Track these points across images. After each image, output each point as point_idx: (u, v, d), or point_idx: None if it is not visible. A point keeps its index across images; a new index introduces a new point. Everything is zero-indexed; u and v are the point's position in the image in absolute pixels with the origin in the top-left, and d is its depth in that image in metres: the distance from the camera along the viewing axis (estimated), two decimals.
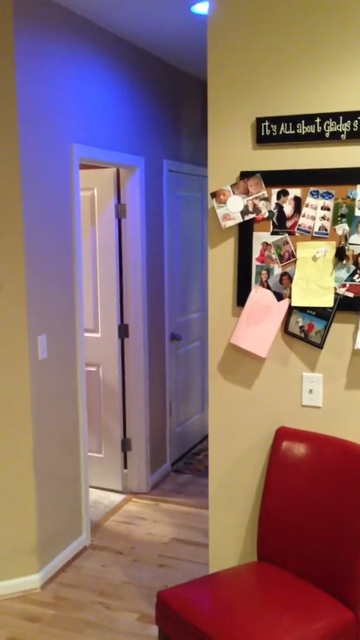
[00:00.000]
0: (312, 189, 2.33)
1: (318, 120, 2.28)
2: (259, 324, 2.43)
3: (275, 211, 2.39)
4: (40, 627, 2.92)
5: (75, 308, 3.45)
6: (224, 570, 2.41)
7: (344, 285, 2.33)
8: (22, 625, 2.93)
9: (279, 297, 2.42)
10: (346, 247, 2.31)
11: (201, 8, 3.23)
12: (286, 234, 2.39)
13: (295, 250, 2.38)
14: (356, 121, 2.23)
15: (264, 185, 2.38)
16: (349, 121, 2.24)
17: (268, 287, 2.43)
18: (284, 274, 2.41)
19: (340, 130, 2.26)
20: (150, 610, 3.01)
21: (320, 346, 2.38)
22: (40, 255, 3.13)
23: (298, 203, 2.36)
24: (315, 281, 2.35)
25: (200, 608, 2.15)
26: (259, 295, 2.44)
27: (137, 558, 3.50)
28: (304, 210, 2.35)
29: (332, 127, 2.27)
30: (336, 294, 2.33)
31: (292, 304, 2.39)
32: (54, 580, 3.29)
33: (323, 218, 2.33)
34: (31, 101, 3.02)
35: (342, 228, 2.31)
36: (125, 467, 4.32)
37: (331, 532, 2.22)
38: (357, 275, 2.31)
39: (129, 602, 3.10)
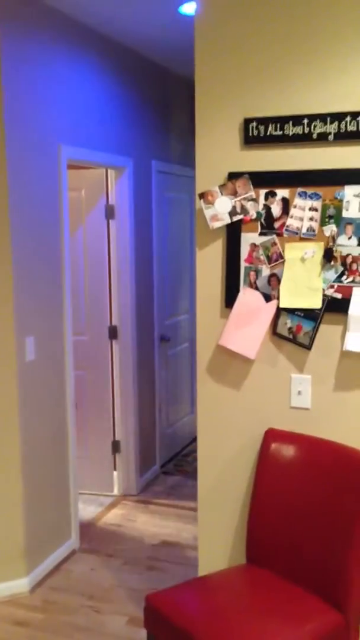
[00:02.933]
0: (300, 190, 2.32)
1: (306, 121, 2.28)
2: (248, 326, 2.42)
3: (263, 212, 2.39)
4: (28, 631, 2.89)
5: (63, 309, 3.43)
6: (213, 573, 2.40)
7: (332, 287, 2.32)
8: (10, 629, 2.90)
9: (268, 298, 2.41)
10: (334, 248, 2.30)
11: (189, 9, 3.22)
12: (274, 235, 2.38)
13: (284, 251, 2.37)
14: (344, 122, 2.23)
15: (251, 186, 2.37)
16: (336, 122, 2.24)
17: (256, 289, 2.43)
18: (272, 275, 2.40)
19: (327, 131, 2.25)
20: (140, 614, 2.99)
21: (308, 347, 2.37)
22: (27, 257, 3.10)
23: (286, 204, 2.35)
24: (304, 282, 2.35)
25: (189, 611, 2.14)
26: (247, 296, 2.43)
27: (127, 561, 3.49)
28: (292, 211, 2.34)
29: (319, 128, 2.26)
30: (324, 295, 2.33)
31: (281, 306, 2.39)
32: (42, 584, 3.26)
33: (311, 219, 2.32)
34: (18, 101, 3.00)
35: (330, 229, 2.31)
36: (115, 469, 4.30)
37: (320, 535, 2.21)
38: (345, 277, 2.30)
39: (119, 606, 3.08)
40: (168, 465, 4.78)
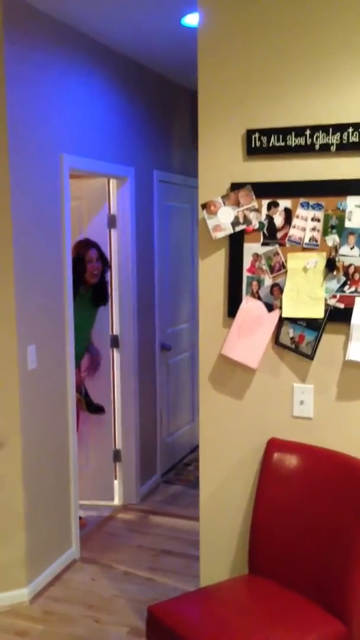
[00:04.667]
0: (302, 200, 2.33)
1: (308, 132, 2.29)
2: (250, 335, 2.43)
3: (265, 222, 2.40)
4: None
5: (65, 318, 3.43)
6: (215, 584, 2.39)
7: (334, 296, 2.33)
8: None
9: (270, 308, 2.42)
10: (336, 258, 2.31)
11: (192, 20, 3.25)
12: (277, 245, 2.39)
13: (286, 261, 2.38)
14: (346, 133, 2.25)
15: (254, 197, 2.39)
16: (338, 133, 2.25)
17: (259, 298, 2.43)
18: (274, 284, 2.41)
19: (330, 142, 2.27)
20: (141, 624, 2.97)
21: (311, 357, 2.37)
22: (30, 265, 3.11)
23: (288, 214, 2.36)
24: (306, 292, 2.35)
25: (192, 622, 2.13)
26: (249, 306, 2.44)
27: (127, 571, 3.47)
28: (295, 221, 2.35)
29: (322, 139, 2.28)
30: (327, 305, 2.34)
31: (283, 315, 2.39)
32: (42, 594, 3.25)
33: (313, 229, 2.33)
34: (21, 111, 3.01)
35: (333, 239, 2.32)
36: (115, 478, 4.29)
37: (323, 545, 2.21)
38: (347, 286, 2.31)
39: (119, 616, 3.06)
40: (169, 475, 4.76)
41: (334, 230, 2.31)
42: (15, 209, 2.98)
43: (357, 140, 2.23)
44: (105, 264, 3.88)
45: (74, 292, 3.58)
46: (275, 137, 2.33)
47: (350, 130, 2.24)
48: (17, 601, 3.14)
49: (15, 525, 3.11)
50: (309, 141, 2.29)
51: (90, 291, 3.84)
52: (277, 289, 2.40)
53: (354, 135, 2.24)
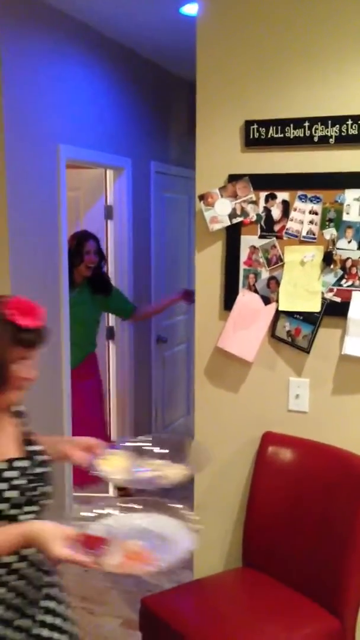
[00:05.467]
0: (300, 193, 2.32)
1: (307, 124, 2.27)
2: (246, 328, 2.42)
3: (263, 215, 2.38)
4: None
5: (60, 310, 3.41)
6: (209, 576, 2.39)
7: (331, 290, 2.32)
8: None
9: (267, 301, 2.41)
10: (334, 252, 2.30)
11: (190, 9, 3.21)
12: (274, 238, 2.38)
13: (283, 254, 2.37)
14: (345, 125, 2.23)
15: (252, 189, 2.37)
16: (337, 125, 2.24)
17: (255, 291, 2.42)
18: (271, 277, 2.40)
19: (329, 134, 2.25)
20: (134, 616, 2.97)
21: (307, 351, 2.36)
22: (25, 256, 3.09)
23: (286, 207, 2.35)
24: (303, 285, 2.34)
25: (186, 614, 2.14)
26: (246, 299, 2.43)
27: None
28: (292, 214, 2.34)
29: (320, 131, 2.26)
30: (323, 298, 2.33)
31: (280, 308, 2.38)
32: None
33: (311, 222, 2.32)
34: (17, 101, 2.98)
35: (330, 232, 2.30)
36: None
37: (317, 538, 2.21)
38: (344, 280, 2.30)
39: (112, 608, 3.06)
40: None
41: (332, 224, 2.29)
42: (11, 199, 2.95)
43: (356, 132, 2.22)
44: (102, 257, 3.84)
45: (70, 285, 3.56)
46: (274, 128, 2.31)
47: (350, 122, 2.22)
48: None
49: None
50: (307, 133, 2.27)
51: (86, 283, 3.80)
52: (274, 282, 2.39)
53: (353, 127, 2.22)
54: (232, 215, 2.40)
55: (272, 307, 2.39)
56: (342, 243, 2.29)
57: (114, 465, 1.74)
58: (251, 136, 2.34)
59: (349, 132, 2.23)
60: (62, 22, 3.30)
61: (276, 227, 2.37)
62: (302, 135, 2.28)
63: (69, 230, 3.74)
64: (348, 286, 2.30)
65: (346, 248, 2.29)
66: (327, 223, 2.30)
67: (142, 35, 3.68)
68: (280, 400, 2.45)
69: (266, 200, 2.37)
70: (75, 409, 3.57)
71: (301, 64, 2.27)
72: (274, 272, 2.39)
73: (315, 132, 2.26)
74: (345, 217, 2.27)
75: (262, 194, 2.37)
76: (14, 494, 1.47)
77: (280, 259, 2.37)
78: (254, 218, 2.39)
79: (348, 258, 2.29)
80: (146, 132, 4.27)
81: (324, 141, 2.26)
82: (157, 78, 4.39)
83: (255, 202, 2.37)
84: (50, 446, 1.69)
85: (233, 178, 2.38)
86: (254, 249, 2.41)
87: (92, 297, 3.79)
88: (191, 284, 5.19)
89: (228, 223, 2.41)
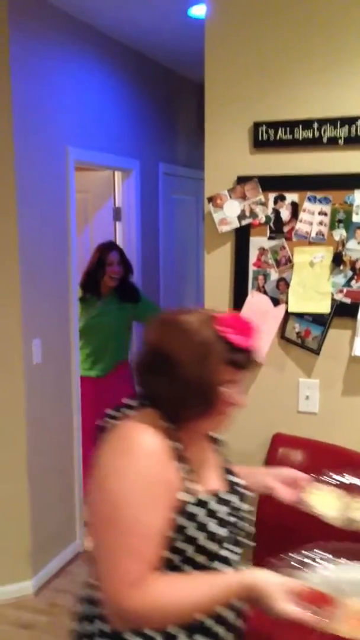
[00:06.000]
0: (309, 194, 2.31)
1: (316, 125, 2.27)
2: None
3: (272, 216, 2.38)
4: (33, 634, 2.89)
5: (69, 312, 3.42)
6: None
7: (341, 291, 2.31)
8: (15, 632, 2.90)
9: (276, 302, 2.40)
10: (343, 253, 2.29)
11: (198, 11, 3.21)
12: (283, 239, 2.37)
13: (292, 255, 2.36)
14: (354, 126, 2.22)
15: (261, 190, 2.37)
16: (346, 126, 2.23)
17: (265, 292, 2.42)
18: (280, 279, 2.39)
19: (338, 135, 2.25)
20: None
21: (317, 352, 2.36)
22: (34, 258, 3.10)
23: (295, 208, 2.34)
24: (312, 287, 2.34)
25: None
26: (255, 300, 2.42)
27: None
28: (301, 215, 2.33)
29: (329, 132, 2.25)
30: (333, 299, 2.32)
31: (289, 310, 2.38)
32: (47, 586, 3.26)
33: (320, 223, 2.32)
34: (27, 104, 2.99)
35: (340, 233, 2.30)
36: None
37: (328, 541, 2.20)
38: (354, 281, 2.29)
39: None
40: None
41: (341, 225, 2.29)
42: (20, 201, 2.96)
43: None
44: (127, 269, 3.81)
45: (96, 296, 3.65)
46: (283, 130, 2.31)
47: (359, 123, 2.21)
48: (23, 593, 3.15)
49: (20, 518, 3.12)
50: (316, 134, 2.27)
51: (113, 292, 3.79)
52: (283, 284, 2.39)
53: None
54: (241, 216, 2.40)
55: (281, 308, 2.39)
56: (351, 244, 2.28)
57: (326, 502, 1.53)
58: (260, 138, 2.34)
59: (358, 133, 2.22)
60: (70, 25, 3.32)
61: (285, 229, 2.37)
62: (311, 136, 2.28)
63: (78, 231, 3.76)
64: (358, 287, 2.29)
65: (356, 249, 2.28)
66: (336, 224, 2.30)
67: (150, 37, 3.69)
68: (290, 401, 2.44)
69: (275, 202, 2.37)
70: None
71: (309, 65, 2.27)
72: (284, 273, 2.39)
73: (324, 133, 2.26)
74: (354, 218, 2.27)
75: (271, 195, 2.36)
76: (220, 530, 1.30)
77: (289, 260, 2.37)
78: (263, 219, 2.38)
79: (358, 259, 2.28)
80: (154, 133, 4.28)
81: (333, 142, 2.26)
82: (165, 80, 4.40)
83: (264, 204, 2.37)
84: (249, 477, 1.56)
85: (242, 180, 2.38)
86: (263, 250, 2.41)
87: (119, 306, 3.79)
88: (200, 286, 5.19)
89: (237, 224, 2.41)
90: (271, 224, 2.38)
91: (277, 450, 2.39)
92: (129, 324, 3.90)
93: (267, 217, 2.38)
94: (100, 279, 3.70)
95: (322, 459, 2.30)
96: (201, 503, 1.29)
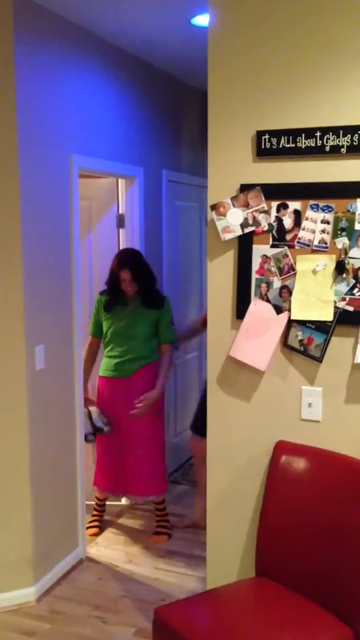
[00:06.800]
0: (312, 202, 2.32)
1: (318, 134, 2.28)
2: (259, 337, 2.42)
3: (275, 224, 2.39)
4: None
5: (72, 318, 3.43)
6: (222, 586, 2.39)
7: (343, 299, 2.32)
8: (17, 639, 2.90)
9: (279, 310, 2.41)
10: (346, 261, 2.30)
11: (201, 20, 3.23)
12: (286, 247, 2.38)
13: (295, 263, 2.37)
14: (356, 135, 2.23)
15: (263, 198, 2.38)
16: (349, 135, 2.24)
17: (268, 300, 2.42)
18: (283, 287, 2.40)
19: (340, 144, 2.25)
20: (148, 625, 2.98)
21: (319, 360, 2.36)
22: (38, 265, 3.11)
23: (298, 216, 2.35)
24: (315, 294, 2.34)
25: (199, 625, 2.13)
26: (258, 308, 2.43)
27: (134, 571, 3.48)
28: (304, 223, 2.34)
29: (332, 141, 2.26)
30: (336, 307, 2.32)
31: (292, 317, 2.38)
32: (49, 593, 3.25)
33: (323, 231, 2.32)
34: (31, 111, 3.01)
35: (342, 242, 2.30)
36: None
37: (331, 549, 2.20)
38: (357, 289, 2.30)
39: (126, 616, 3.06)
40: (175, 474, 4.76)
41: (344, 233, 2.30)
42: (24, 209, 2.98)
43: None
44: (144, 281, 3.72)
45: (114, 301, 3.69)
46: (286, 138, 2.32)
47: None
48: (24, 600, 3.15)
49: (22, 525, 3.12)
50: (319, 143, 2.28)
51: (138, 297, 3.76)
52: (286, 291, 2.39)
53: None
54: (244, 224, 2.41)
55: (284, 316, 2.40)
56: (354, 252, 2.29)
57: None
58: (263, 146, 2.35)
59: None
60: (75, 33, 3.34)
61: (288, 237, 2.37)
62: (313, 145, 2.29)
63: (81, 238, 3.77)
64: None
65: (358, 257, 2.28)
66: (339, 232, 2.30)
67: (154, 45, 3.71)
68: (293, 409, 2.45)
69: (278, 210, 2.37)
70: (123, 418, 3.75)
71: (313, 74, 2.28)
72: (286, 281, 2.39)
73: (326, 142, 2.27)
74: (357, 227, 2.27)
75: (274, 204, 2.37)
76: None
77: (292, 268, 2.38)
78: (266, 227, 2.39)
79: None
80: (158, 141, 4.30)
81: (335, 151, 2.26)
82: (168, 87, 4.42)
83: (267, 212, 2.38)
84: None
85: (245, 188, 2.39)
86: (265, 258, 2.41)
87: (142, 311, 3.78)
88: (203, 293, 5.21)
89: (240, 232, 2.42)
90: (274, 232, 2.39)
91: (280, 458, 2.39)
92: (152, 328, 3.89)
93: (270, 225, 2.39)
94: (119, 288, 3.72)
95: (325, 467, 2.30)
96: None
